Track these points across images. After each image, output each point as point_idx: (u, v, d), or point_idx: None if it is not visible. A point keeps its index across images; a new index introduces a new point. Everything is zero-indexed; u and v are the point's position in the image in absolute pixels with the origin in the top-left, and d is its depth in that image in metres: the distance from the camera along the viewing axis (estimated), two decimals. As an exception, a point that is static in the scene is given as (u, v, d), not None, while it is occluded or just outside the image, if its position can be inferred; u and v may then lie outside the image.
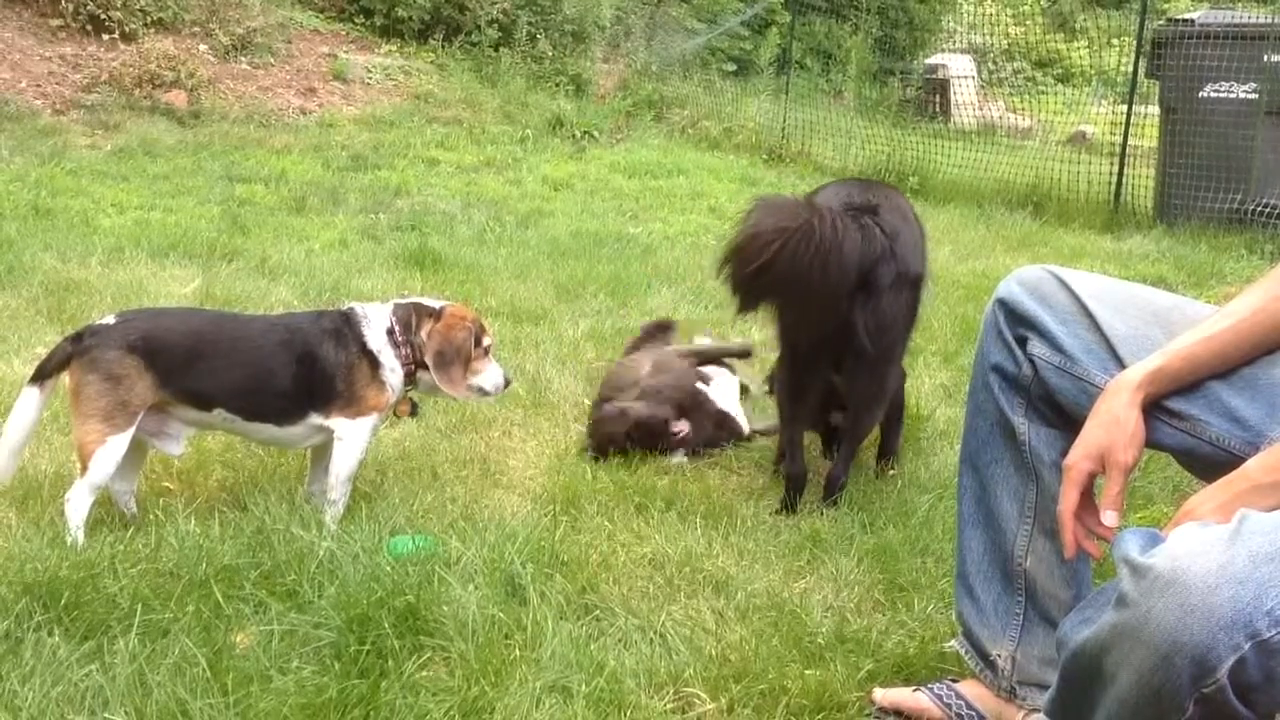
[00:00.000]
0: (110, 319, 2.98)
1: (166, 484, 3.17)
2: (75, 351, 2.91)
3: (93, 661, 2.26)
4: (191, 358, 3.01)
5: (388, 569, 2.58)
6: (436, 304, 3.30)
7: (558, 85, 13.31)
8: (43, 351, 4.33)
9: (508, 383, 3.39)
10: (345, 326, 3.16)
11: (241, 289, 5.47)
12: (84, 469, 2.88)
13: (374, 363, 3.15)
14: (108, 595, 2.49)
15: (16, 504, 3.05)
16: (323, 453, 3.25)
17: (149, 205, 7.60)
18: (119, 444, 2.90)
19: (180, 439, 3.10)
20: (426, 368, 3.21)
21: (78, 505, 2.87)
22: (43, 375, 2.94)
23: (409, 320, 3.21)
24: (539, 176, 10.04)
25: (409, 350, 3.19)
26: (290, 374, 3.08)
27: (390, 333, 3.17)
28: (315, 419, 3.12)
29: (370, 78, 12.29)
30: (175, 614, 2.44)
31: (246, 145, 9.83)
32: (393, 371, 3.17)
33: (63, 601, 2.43)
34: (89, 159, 8.79)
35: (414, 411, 3.41)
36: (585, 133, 12.01)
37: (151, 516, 2.94)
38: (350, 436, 3.13)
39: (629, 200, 9.39)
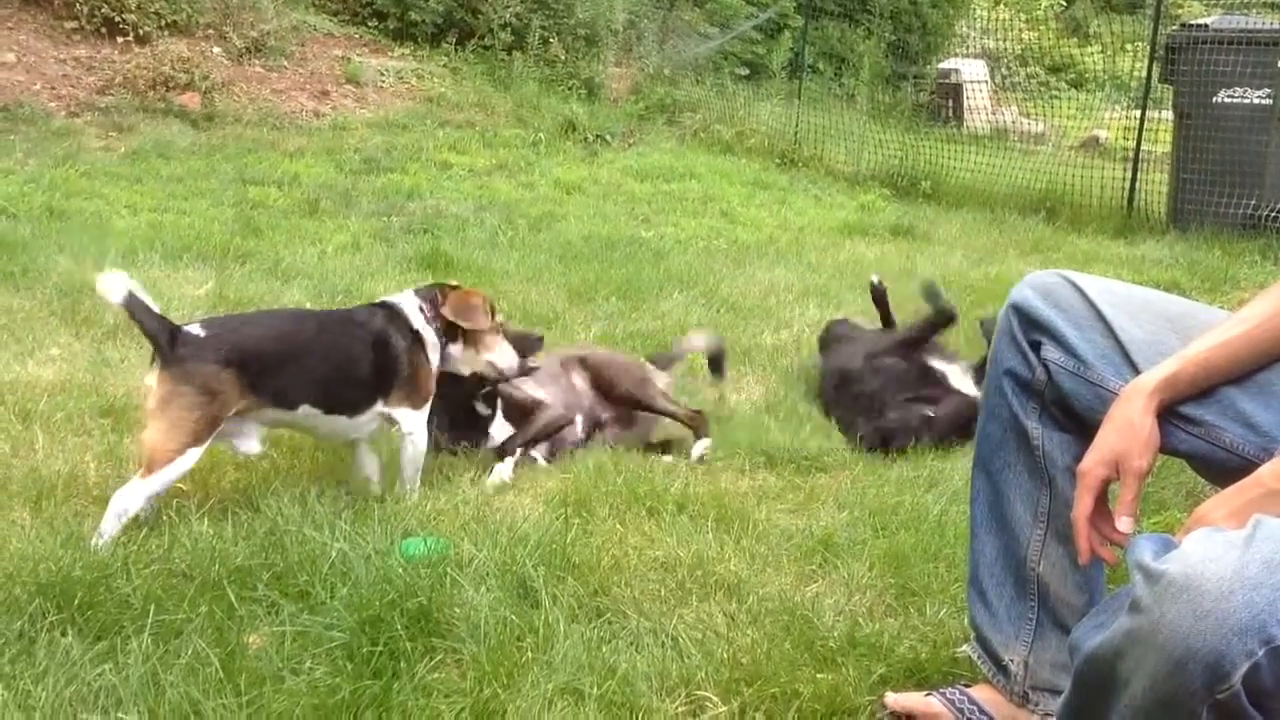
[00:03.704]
0: (198, 329, 2.99)
1: (180, 485, 3.17)
2: (167, 358, 2.91)
3: (106, 661, 2.26)
4: (280, 361, 3.09)
5: (400, 570, 2.58)
6: (451, 283, 3.59)
7: (570, 89, 13.31)
8: (57, 353, 4.36)
9: (524, 369, 3.64)
10: (393, 315, 3.36)
11: (254, 291, 5.49)
12: (149, 473, 2.89)
13: (421, 344, 3.36)
14: (121, 596, 2.50)
15: (30, 504, 3.06)
16: (362, 443, 3.42)
17: (162, 207, 7.62)
18: (194, 457, 2.94)
19: (256, 438, 3.17)
20: (455, 341, 3.47)
21: (126, 506, 2.86)
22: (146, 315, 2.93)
23: (434, 298, 3.44)
24: (551, 180, 10.05)
25: (439, 324, 3.42)
26: (369, 361, 3.25)
27: (422, 311, 3.39)
28: (379, 406, 3.29)
29: (383, 81, 12.31)
30: (188, 614, 2.44)
31: (260, 148, 9.85)
32: (434, 348, 3.40)
33: (76, 601, 2.44)
34: (103, 161, 8.82)
35: None
36: (597, 136, 12.00)
37: (165, 517, 2.95)
38: (415, 429, 3.35)
39: (641, 204, 9.40)
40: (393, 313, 3.36)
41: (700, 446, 3.83)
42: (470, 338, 3.50)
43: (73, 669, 2.23)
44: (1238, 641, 1.34)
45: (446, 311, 3.42)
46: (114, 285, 2.89)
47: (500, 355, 3.54)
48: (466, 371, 3.60)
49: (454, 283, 3.59)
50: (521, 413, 3.82)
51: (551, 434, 3.81)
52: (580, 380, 4.13)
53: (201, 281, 5.59)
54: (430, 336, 3.40)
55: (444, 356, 3.47)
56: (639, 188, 10.12)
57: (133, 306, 2.91)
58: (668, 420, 4.12)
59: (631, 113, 13.38)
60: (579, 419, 3.96)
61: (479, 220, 8.11)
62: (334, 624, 2.41)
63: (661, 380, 4.19)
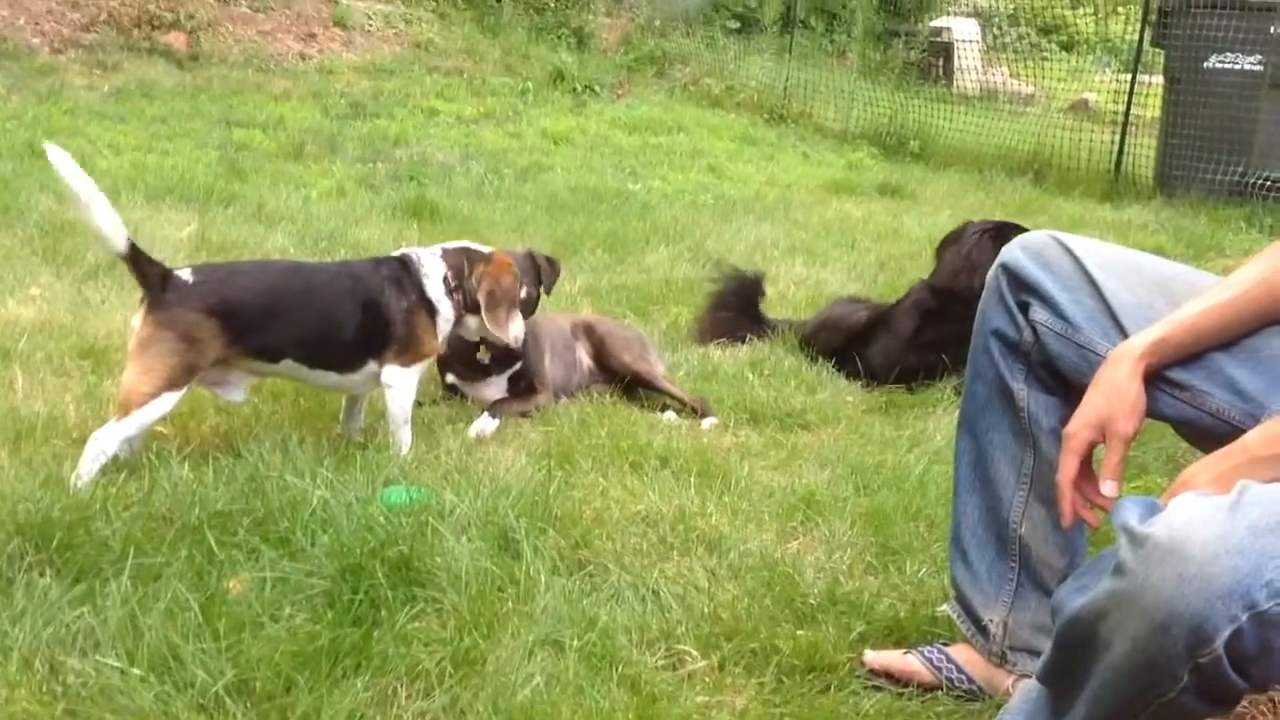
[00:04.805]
0: (187, 274, 2.96)
1: (160, 429, 3.16)
2: (153, 301, 2.88)
3: (84, 604, 2.25)
4: (265, 316, 3.05)
5: (381, 519, 2.57)
6: (485, 249, 3.44)
7: (559, 38, 13.22)
8: (37, 292, 4.32)
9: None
10: (404, 274, 3.26)
11: (238, 235, 5.45)
12: (123, 415, 2.86)
13: (431, 311, 3.28)
14: (100, 538, 2.48)
15: (9, 444, 3.04)
16: (357, 396, 3.39)
17: (146, 147, 7.57)
18: (170, 402, 2.91)
19: (242, 387, 3.16)
20: (474, 313, 3.35)
21: (104, 448, 2.84)
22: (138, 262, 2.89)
23: (461, 267, 3.34)
24: (539, 130, 10.00)
25: (461, 297, 3.33)
26: (356, 323, 3.17)
27: (445, 281, 3.30)
28: (372, 366, 3.23)
29: (371, 25, 12.21)
30: (167, 558, 2.43)
31: (245, 90, 9.78)
32: (446, 321, 3.32)
33: (54, 543, 2.42)
34: (86, 99, 8.75)
35: None
36: (586, 87, 11.94)
37: (144, 461, 2.93)
38: (400, 385, 3.25)
39: (629, 156, 9.36)
40: (405, 270, 3.26)
41: (708, 423, 3.80)
42: (491, 312, 3.37)
43: (51, 610, 2.21)
44: (1221, 606, 1.35)
45: (481, 297, 3.31)
46: (117, 236, 2.87)
47: (512, 329, 3.41)
48: (474, 339, 3.55)
49: (486, 250, 3.43)
50: (526, 381, 3.82)
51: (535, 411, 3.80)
52: (583, 350, 4.12)
53: (184, 223, 5.55)
54: (446, 310, 3.30)
55: (462, 324, 3.39)
56: (627, 140, 10.08)
57: (132, 255, 2.89)
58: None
59: (621, 64, 13.30)
60: (563, 400, 3.93)
61: (465, 169, 8.07)
62: (314, 571, 2.41)
63: (659, 363, 4.17)
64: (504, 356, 3.71)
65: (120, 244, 2.87)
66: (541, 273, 3.66)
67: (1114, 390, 1.84)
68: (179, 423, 3.26)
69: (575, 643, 2.28)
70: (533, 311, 3.60)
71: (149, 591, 2.30)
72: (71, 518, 2.51)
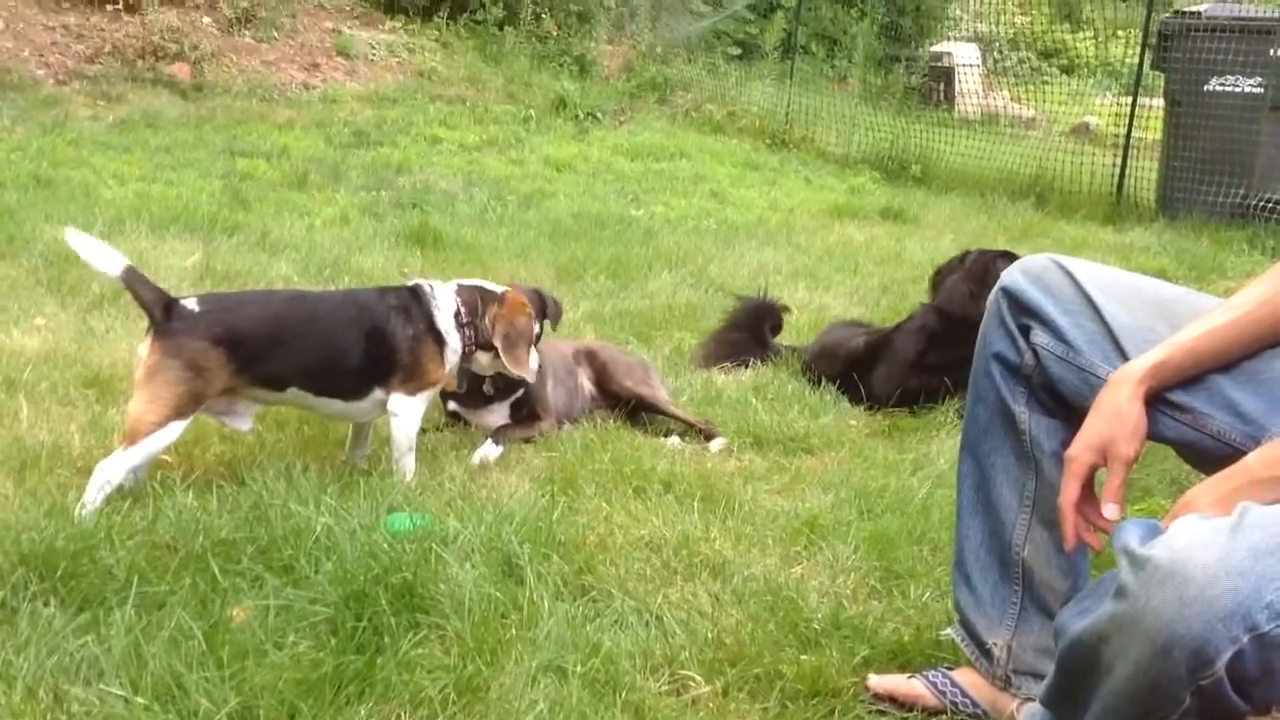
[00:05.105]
0: (193, 303, 2.97)
1: (164, 457, 3.16)
2: (160, 329, 2.90)
3: (89, 633, 2.25)
4: (271, 344, 3.07)
5: (385, 546, 2.57)
6: (498, 289, 3.46)
7: (562, 65, 13.27)
8: (42, 322, 4.33)
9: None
10: (414, 304, 3.29)
11: (242, 264, 5.47)
12: (130, 444, 2.87)
13: (439, 341, 3.29)
14: (104, 567, 2.48)
15: (13, 474, 3.04)
16: (364, 423, 3.40)
17: (150, 178, 7.60)
18: (177, 430, 2.92)
19: (249, 416, 3.17)
20: (485, 349, 3.39)
21: (109, 478, 2.84)
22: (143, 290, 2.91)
23: (474, 304, 3.37)
24: (541, 157, 10.04)
25: (472, 333, 3.34)
26: (360, 351, 3.19)
27: (456, 315, 3.32)
28: (379, 393, 3.24)
29: (374, 54, 12.26)
30: (171, 587, 2.43)
31: (249, 119, 9.82)
32: (454, 352, 3.33)
33: (59, 572, 2.43)
34: (91, 130, 8.79)
35: None
36: (589, 114, 11.98)
37: (149, 489, 2.93)
38: (405, 413, 3.26)
39: (631, 182, 9.39)
40: (415, 299, 3.28)
41: (716, 444, 3.81)
42: (510, 352, 3.39)
43: (55, 639, 2.22)
44: (1222, 628, 1.35)
45: (498, 339, 3.34)
46: (110, 260, 2.87)
47: (528, 365, 3.43)
48: (488, 373, 3.59)
49: (499, 289, 3.45)
50: (528, 408, 3.83)
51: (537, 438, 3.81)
52: (585, 376, 4.13)
53: (189, 253, 5.57)
54: (454, 342, 3.31)
55: (470, 360, 3.41)
56: (629, 166, 10.11)
57: (130, 277, 2.89)
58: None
59: (623, 91, 13.34)
60: (566, 426, 3.94)
61: (468, 196, 8.10)
62: (318, 598, 2.41)
63: (663, 388, 4.18)
64: (507, 384, 3.72)
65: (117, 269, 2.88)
66: (548, 310, 3.70)
67: (1115, 413, 1.85)
68: (183, 451, 3.27)
69: (578, 669, 2.28)
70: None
71: (153, 620, 2.31)
72: (76, 547, 2.51)
